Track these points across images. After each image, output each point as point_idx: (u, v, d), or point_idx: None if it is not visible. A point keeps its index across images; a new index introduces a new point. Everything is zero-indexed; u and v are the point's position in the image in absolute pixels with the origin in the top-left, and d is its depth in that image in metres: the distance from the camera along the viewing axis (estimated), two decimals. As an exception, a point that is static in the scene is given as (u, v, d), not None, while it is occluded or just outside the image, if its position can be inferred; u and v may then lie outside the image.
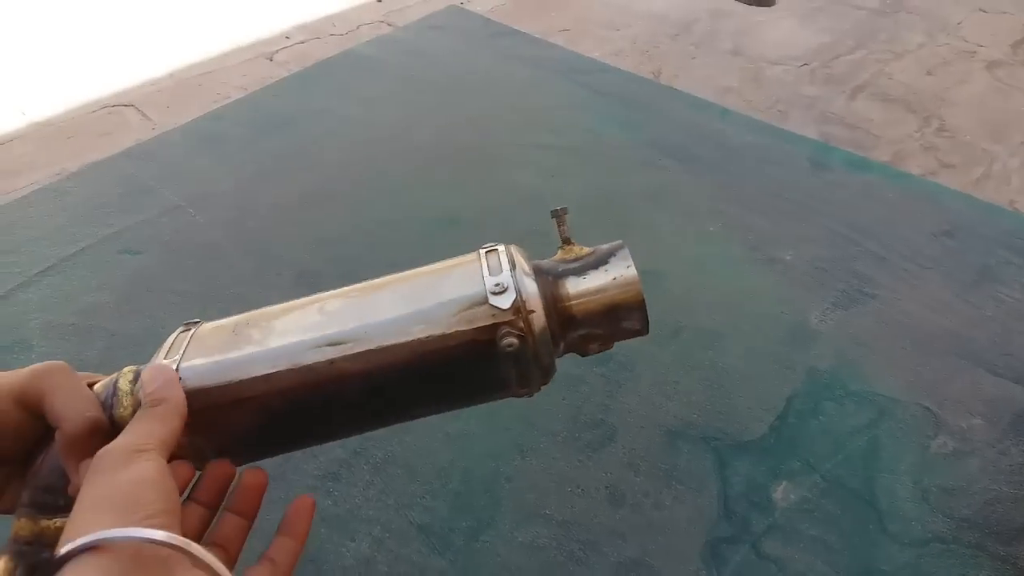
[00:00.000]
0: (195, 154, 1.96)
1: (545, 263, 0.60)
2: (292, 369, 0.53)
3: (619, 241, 0.60)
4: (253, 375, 0.54)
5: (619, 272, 0.57)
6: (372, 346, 0.53)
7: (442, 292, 0.55)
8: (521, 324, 0.52)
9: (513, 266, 0.55)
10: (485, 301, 0.53)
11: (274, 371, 0.53)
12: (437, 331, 0.53)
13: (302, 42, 2.63)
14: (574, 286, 0.57)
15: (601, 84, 2.24)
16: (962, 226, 1.70)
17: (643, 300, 0.56)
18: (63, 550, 0.39)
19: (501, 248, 0.58)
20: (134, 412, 0.51)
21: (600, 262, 0.58)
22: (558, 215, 0.63)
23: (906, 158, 1.93)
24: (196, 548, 0.41)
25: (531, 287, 0.54)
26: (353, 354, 0.53)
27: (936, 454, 1.25)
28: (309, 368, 0.53)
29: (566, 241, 0.62)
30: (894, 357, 1.40)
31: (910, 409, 1.31)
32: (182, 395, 0.52)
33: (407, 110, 2.14)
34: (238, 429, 0.57)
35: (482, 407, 0.60)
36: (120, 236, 1.69)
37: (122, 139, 2.08)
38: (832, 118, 2.16)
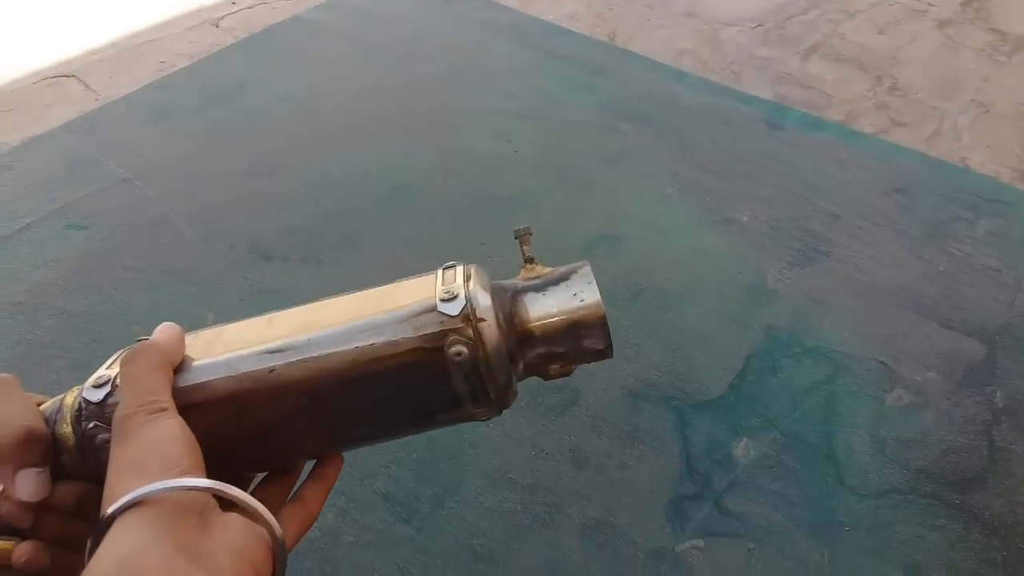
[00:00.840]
0: (140, 125, 1.90)
1: (506, 281, 0.57)
2: (231, 377, 0.50)
3: (583, 261, 0.57)
4: (190, 383, 0.50)
5: (580, 288, 0.54)
6: (315, 353, 0.50)
7: (392, 303, 0.52)
8: (470, 332, 0.49)
9: (468, 279, 0.52)
10: (434, 309, 0.50)
11: (212, 379, 0.50)
12: (382, 339, 0.50)
13: (249, 7, 2.55)
14: (533, 301, 0.54)
15: (556, 47, 2.22)
16: (914, 183, 1.72)
17: (604, 317, 0.53)
18: (110, 510, 0.40)
19: (460, 265, 0.55)
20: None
21: (562, 279, 0.55)
22: (521, 235, 0.59)
23: (859, 117, 1.95)
24: (237, 491, 0.43)
25: (484, 298, 0.51)
26: (294, 361, 0.50)
27: (892, 407, 1.27)
28: (248, 375, 0.50)
29: (528, 260, 0.58)
30: (849, 313, 1.43)
31: (866, 364, 1.34)
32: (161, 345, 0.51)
33: (358, 76, 2.09)
34: None
35: None
36: (65, 211, 1.63)
37: (64, 111, 2.00)
38: (786, 79, 2.17)
